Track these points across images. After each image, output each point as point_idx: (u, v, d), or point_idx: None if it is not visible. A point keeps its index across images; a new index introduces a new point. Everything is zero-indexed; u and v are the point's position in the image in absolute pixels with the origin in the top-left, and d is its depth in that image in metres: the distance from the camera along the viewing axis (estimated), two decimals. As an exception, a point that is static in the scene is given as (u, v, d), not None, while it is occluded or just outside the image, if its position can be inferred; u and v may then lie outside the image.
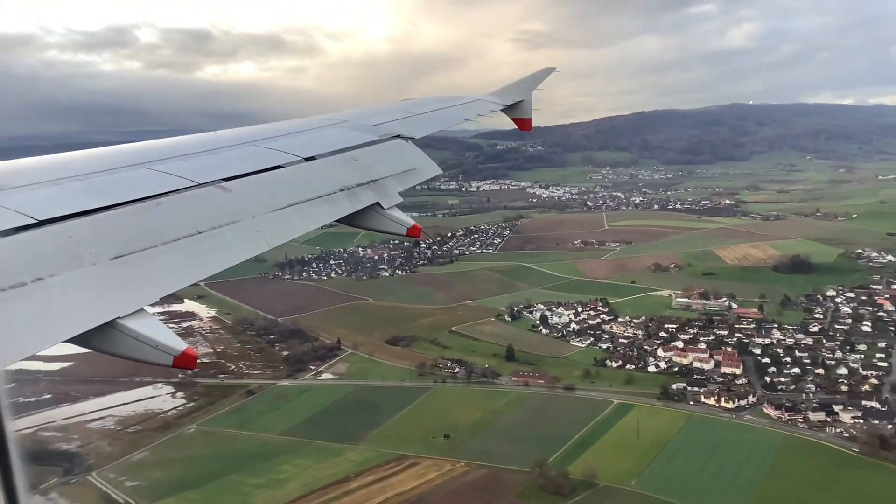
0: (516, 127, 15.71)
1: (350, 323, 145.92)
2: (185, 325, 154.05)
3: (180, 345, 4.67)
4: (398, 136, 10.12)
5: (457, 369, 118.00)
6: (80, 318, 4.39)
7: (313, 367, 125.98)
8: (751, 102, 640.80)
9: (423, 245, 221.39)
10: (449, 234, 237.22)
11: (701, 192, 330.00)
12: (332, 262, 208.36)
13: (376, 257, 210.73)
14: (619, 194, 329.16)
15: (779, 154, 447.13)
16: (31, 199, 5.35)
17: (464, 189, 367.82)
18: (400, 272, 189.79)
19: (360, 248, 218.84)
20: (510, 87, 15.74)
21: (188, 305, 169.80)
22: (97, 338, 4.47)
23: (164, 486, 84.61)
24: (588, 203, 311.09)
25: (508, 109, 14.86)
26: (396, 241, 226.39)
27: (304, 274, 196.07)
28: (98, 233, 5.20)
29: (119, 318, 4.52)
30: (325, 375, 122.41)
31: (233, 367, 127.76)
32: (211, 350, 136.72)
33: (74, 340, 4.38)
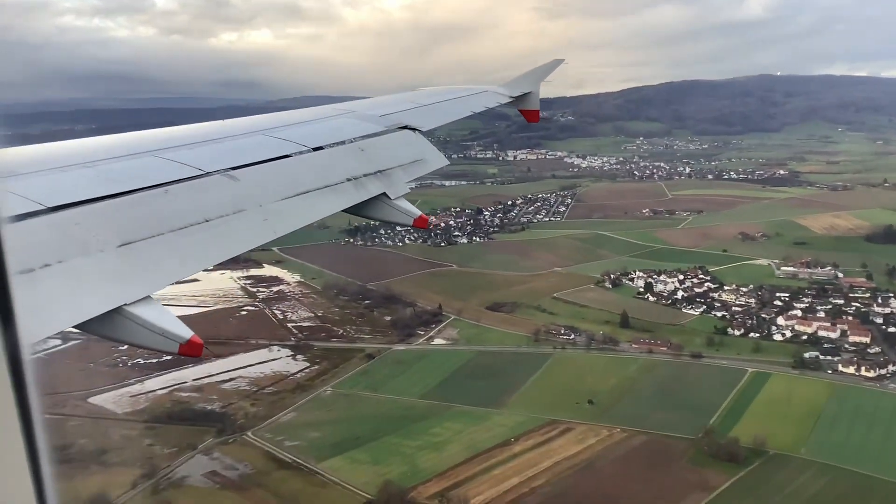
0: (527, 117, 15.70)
1: (441, 289, 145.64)
2: (274, 289, 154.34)
3: (186, 332, 4.72)
4: (406, 127, 10.08)
5: (571, 336, 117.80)
6: (87, 305, 4.41)
7: (422, 332, 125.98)
8: (778, 73, 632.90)
9: (488, 213, 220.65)
10: (509, 203, 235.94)
11: (745, 161, 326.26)
12: (397, 228, 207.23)
13: (442, 224, 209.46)
14: (661, 164, 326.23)
15: (810, 126, 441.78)
16: (39, 186, 5.32)
17: (500, 158, 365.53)
18: (477, 239, 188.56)
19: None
20: (518, 78, 15.78)
21: (269, 270, 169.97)
22: (104, 324, 4.49)
23: (323, 446, 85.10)
24: (636, 173, 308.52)
25: (516, 101, 14.94)
26: (458, 208, 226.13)
27: (376, 240, 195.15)
28: (106, 220, 5.20)
29: (126, 304, 4.53)
30: (438, 341, 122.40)
31: (341, 331, 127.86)
32: (311, 314, 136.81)
33: (81, 327, 4.40)
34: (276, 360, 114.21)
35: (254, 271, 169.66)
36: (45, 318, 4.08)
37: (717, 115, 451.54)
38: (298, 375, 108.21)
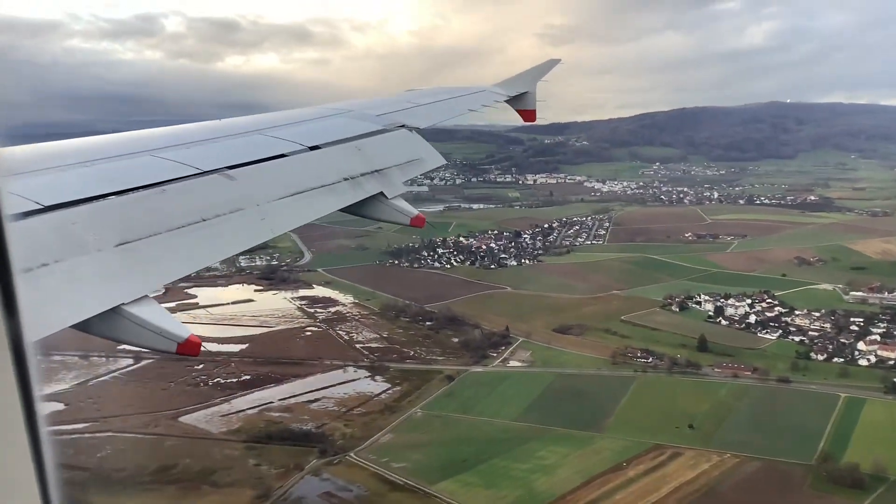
0: (528, 119, 15.88)
1: (501, 311, 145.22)
2: (331, 310, 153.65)
3: (184, 332, 4.74)
4: (403, 127, 10.01)
5: (650, 359, 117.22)
6: (85, 304, 4.38)
7: (494, 354, 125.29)
8: (788, 101, 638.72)
9: (527, 235, 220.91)
10: (545, 226, 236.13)
11: (769, 188, 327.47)
12: (439, 250, 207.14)
13: (483, 247, 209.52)
14: (685, 189, 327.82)
15: (821, 153, 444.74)
16: (37, 185, 5.27)
17: (520, 182, 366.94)
18: (526, 261, 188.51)
19: (461, 238, 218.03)
20: (515, 78, 15.70)
21: (319, 291, 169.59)
22: (101, 324, 4.47)
23: (431, 468, 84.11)
24: (662, 197, 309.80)
25: (513, 101, 14.82)
26: (496, 231, 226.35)
27: (420, 262, 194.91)
28: (103, 219, 5.17)
29: (123, 304, 4.50)
30: (513, 363, 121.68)
31: (411, 352, 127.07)
32: (376, 335, 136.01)
33: (79, 326, 4.37)
34: (356, 381, 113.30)
35: (304, 292, 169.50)
36: (42, 317, 3.96)
37: (730, 141, 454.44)
38: (383, 396, 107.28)
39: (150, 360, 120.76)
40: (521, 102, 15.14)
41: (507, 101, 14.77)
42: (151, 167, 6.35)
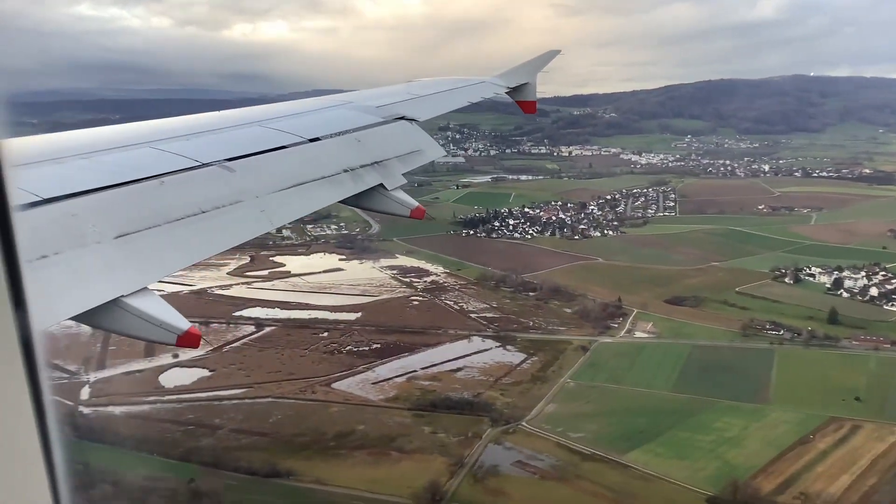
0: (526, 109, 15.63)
1: (601, 282, 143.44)
2: (426, 279, 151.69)
3: (184, 323, 4.65)
4: (402, 118, 9.99)
5: (780, 331, 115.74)
6: (85, 296, 4.35)
7: (615, 325, 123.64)
8: (812, 74, 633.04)
9: (593, 207, 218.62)
10: (608, 198, 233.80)
11: (812, 161, 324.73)
12: (508, 220, 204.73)
13: (552, 217, 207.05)
14: (726, 161, 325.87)
15: (850, 126, 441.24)
16: (35, 177, 5.24)
17: (555, 154, 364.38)
18: (610, 232, 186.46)
19: (526, 209, 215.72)
20: (515, 69, 15.63)
21: (404, 261, 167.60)
22: (101, 316, 4.44)
23: (612, 438, 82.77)
24: (710, 170, 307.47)
25: (513, 92, 14.84)
26: (558, 202, 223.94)
27: (497, 232, 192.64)
28: (102, 211, 5.11)
29: (123, 296, 4.49)
30: (638, 334, 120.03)
31: (530, 322, 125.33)
32: (486, 305, 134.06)
33: (78, 318, 4.34)
34: (488, 351, 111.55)
35: (388, 262, 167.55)
36: (42, 309, 3.81)
37: (757, 114, 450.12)
38: (524, 366, 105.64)
39: (273, 328, 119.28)
40: (521, 93, 15.12)
41: (507, 93, 14.76)
42: (150, 159, 6.31)
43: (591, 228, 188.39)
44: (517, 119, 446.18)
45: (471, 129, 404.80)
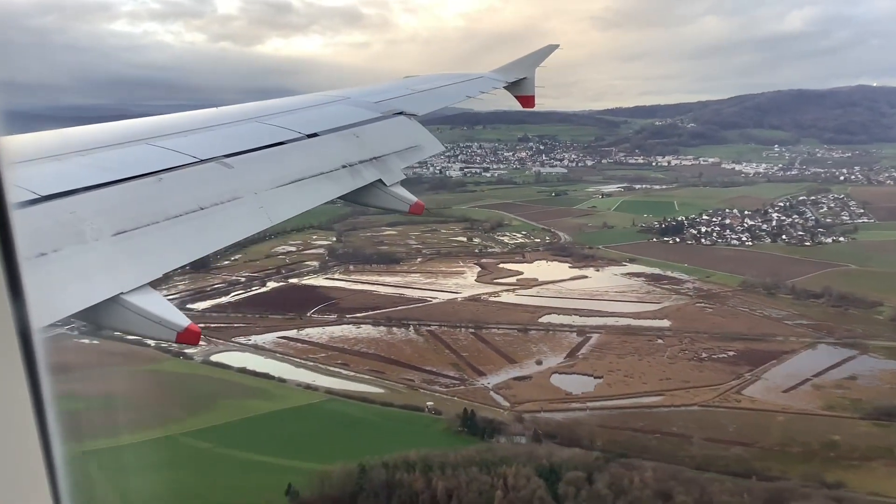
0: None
1: (878, 287, 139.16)
2: (686, 286, 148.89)
3: (183, 320, 4.65)
4: (401, 114, 9.91)
5: None
6: (83, 294, 4.37)
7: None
8: (875, 84, 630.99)
9: (776, 214, 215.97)
10: (785, 204, 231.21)
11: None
12: (702, 227, 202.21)
13: (742, 225, 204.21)
14: (843, 170, 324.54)
15: None
16: (33, 174, 5.24)
17: (654, 164, 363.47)
18: (841, 238, 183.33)
19: (704, 216, 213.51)
20: (513, 64, 15.69)
21: (635, 268, 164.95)
22: (100, 313, 4.43)
23: None
24: (852, 177, 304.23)
25: (511, 87, 14.88)
26: (727, 209, 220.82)
27: (708, 239, 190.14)
28: (100, 208, 5.10)
29: (122, 293, 4.52)
30: None
31: (858, 329, 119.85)
32: (786, 312, 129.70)
33: (77, 316, 4.34)
34: (855, 358, 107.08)
35: (618, 269, 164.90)
36: (40, 307, 3.73)
37: (835, 124, 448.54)
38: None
39: (597, 335, 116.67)
40: (520, 88, 15.12)
41: (505, 88, 14.77)
42: (148, 156, 6.29)
43: (818, 235, 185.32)
44: (591, 129, 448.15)
45: (552, 139, 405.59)
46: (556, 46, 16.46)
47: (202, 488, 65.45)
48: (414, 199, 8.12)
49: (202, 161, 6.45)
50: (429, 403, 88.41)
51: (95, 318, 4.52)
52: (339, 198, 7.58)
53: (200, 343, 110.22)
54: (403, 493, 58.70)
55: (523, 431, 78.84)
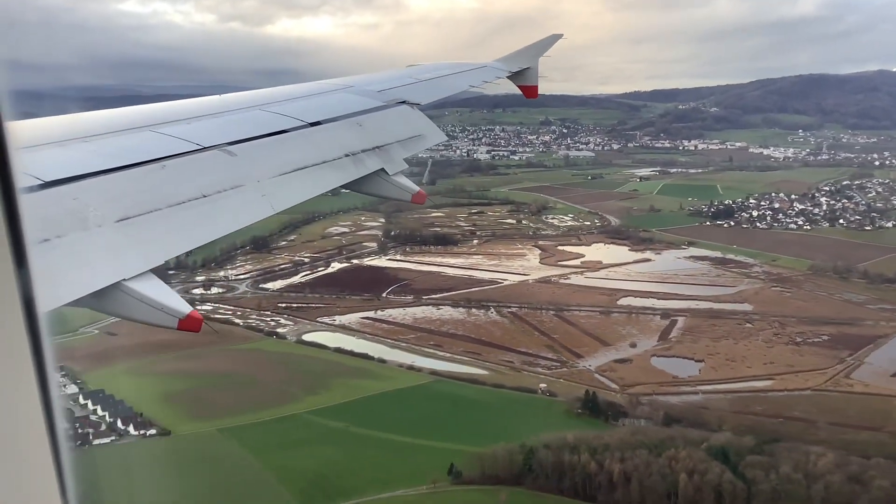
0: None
1: None
2: (754, 269, 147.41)
3: (185, 307, 4.68)
4: (404, 103, 10.00)
5: None
6: (86, 280, 4.43)
7: None
8: (894, 69, 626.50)
9: (824, 198, 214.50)
10: (831, 188, 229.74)
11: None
12: (753, 211, 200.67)
13: (792, 210, 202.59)
14: (874, 155, 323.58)
15: None
16: (37, 160, 5.29)
17: (680, 148, 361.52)
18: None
19: (752, 200, 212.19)
20: (516, 53, 15.61)
21: (696, 251, 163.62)
22: (103, 299, 4.48)
23: None
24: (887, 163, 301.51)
25: (514, 76, 14.89)
26: (772, 193, 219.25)
27: (762, 223, 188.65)
28: (104, 195, 5.17)
29: (125, 280, 4.56)
30: None
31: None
32: (865, 297, 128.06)
33: (80, 302, 4.37)
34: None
35: (678, 252, 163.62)
36: (43, 293, 3.49)
37: (856, 109, 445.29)
38: None
39: (682, 318, 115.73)
40: (523, 78, 15.02)
41: (508, 77, 14.67)
42: (152, 143, 6.31)
43: (876, 219, 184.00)
44: (614, 113, 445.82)
45: (574, 123, 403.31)
46: (560, 36, 16.35)
47: (359, 468, 64.77)
48: (416, 188, 8.10)
49: (205, 148, 6.44)
50: (542, 386, 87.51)
51: (98, 305, 4.50)
52: (341, 186, 7.53)
53: (292, 321, 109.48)
54: (576, 475, 57.80)
55: (649, 415, 77.93)
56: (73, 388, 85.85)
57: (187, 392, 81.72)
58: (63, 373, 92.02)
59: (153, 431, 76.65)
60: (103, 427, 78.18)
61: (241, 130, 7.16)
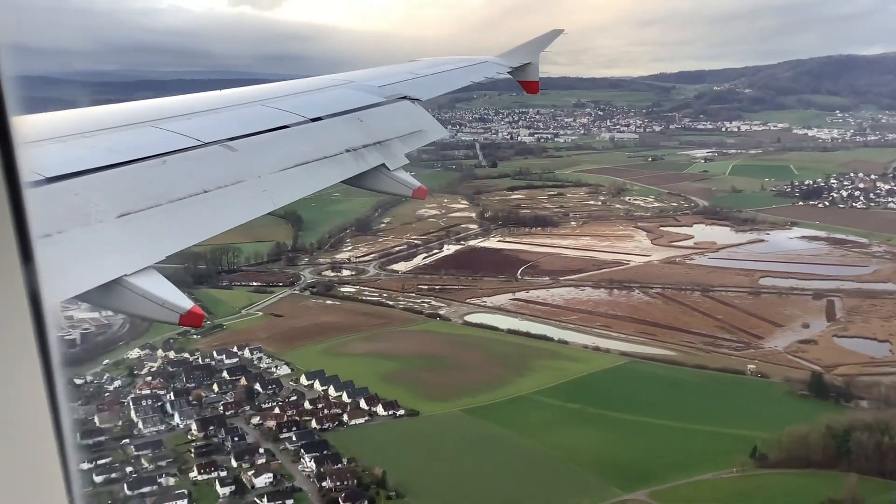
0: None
1: None
2: (880, 250, 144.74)
3: (186, 303, 4.67)
4: (405, 98, 10.02)
5: None
6: (87, 275, 4.43)
7: None
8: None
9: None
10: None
11: None
12: (842, 192, 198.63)
13: (881, 189, 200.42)
14: None
15: None
16: (38, 156, 5.27)
17: (724, 129, 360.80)
18: None
19: (831, 180, 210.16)
20: (517, 49, 15.50)
21: (803, 231, 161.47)
22: (104, 295, 4.49)
23: None
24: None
25: (515, 72, 14.82)
26: (852, 174, 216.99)
27: (859, 203, 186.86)
28: (105, 190, 5.18)
29: (126, 275, 4.56)
30: None
31: None
32: None
33: (81, 297, 4.36)
34: None
35: (784, 233, 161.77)
36: (45, 288, 3.22)
37: (888, 90, 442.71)
38: None
39: (835, 298, 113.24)
40: (524, 74, 14.85)
41: (509, 73, 14.42)
42: (152, 138, 6.27)
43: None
44: (647, 95, 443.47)
45: (609, 105, 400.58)
46: (561, 31, 16.15)
47: (640, 450, 62.47)
48: (417, 183, 8.02)
49: (206, 144, 6.35)
50: (750, 367, 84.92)
51: (99, 300, 4.49)
52: (342, 182, 7.42)
53: (444, 303, 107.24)
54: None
55: (879, 395, 75.47)
56: (285, 369, 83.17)
57: (398, 374, 79.15)
58: (259, 354, 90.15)
59: (402, 412, 73.81)
60: (348, 409, 75.09)
61: (242, 126, 7.06)
